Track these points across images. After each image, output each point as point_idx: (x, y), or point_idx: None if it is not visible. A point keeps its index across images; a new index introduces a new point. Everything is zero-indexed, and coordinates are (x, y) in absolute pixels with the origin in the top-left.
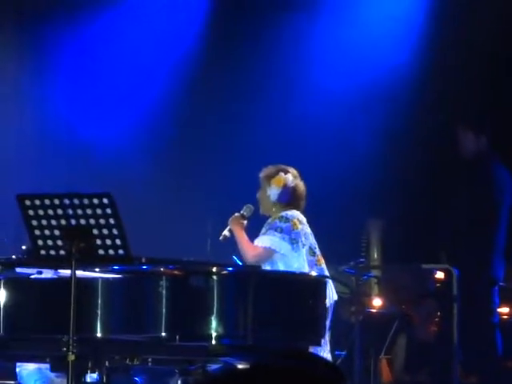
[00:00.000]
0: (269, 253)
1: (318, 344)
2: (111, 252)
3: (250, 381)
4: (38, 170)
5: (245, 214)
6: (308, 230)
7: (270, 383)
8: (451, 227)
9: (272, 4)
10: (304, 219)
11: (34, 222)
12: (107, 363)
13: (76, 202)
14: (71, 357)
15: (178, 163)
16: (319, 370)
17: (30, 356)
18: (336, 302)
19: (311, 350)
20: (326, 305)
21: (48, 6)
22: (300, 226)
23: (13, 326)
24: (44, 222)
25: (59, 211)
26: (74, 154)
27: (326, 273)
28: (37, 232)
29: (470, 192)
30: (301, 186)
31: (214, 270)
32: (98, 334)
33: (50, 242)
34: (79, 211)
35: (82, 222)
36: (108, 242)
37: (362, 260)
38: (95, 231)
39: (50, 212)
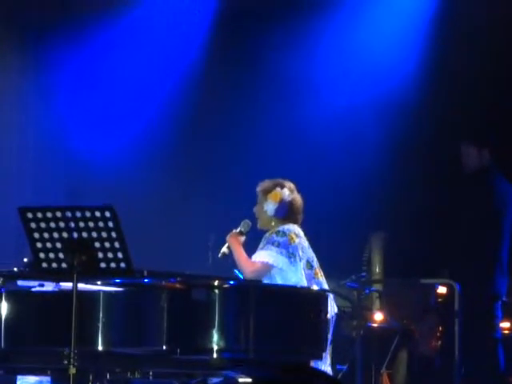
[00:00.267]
0: (267, 268)
1: (320, 358)
2: (113, 265)
3: None
4: (39, 183)
5: (242, 229)
6: (305, 243)
7: None
8: (454, 242)
9: (278, 16)
10: (301, 232)
11: (36, 235)
12: (108, 376)
13: (78, 214)
14: (72, 370)
15: (179, 177)
16: None
17: (31, 369)
18: (337, 315)
19: (312, 363)
20: (327, 319)
21: (51, 22)
22: (297, 240)
23: (14, 338)
24: (46, 235)
25: (61, 224)
26: (75, 167)
27: (325, 286)
28: (38, 245)
29: (473, 206)
30: (298, 199)
31: (216, 283)
32: (99, 347)
33: (51, 255)
34: (81, 224)
35: (84, 234)
36: (110, 255)
37: (363, 274)
38: (97, 244)
39: (52, 225)
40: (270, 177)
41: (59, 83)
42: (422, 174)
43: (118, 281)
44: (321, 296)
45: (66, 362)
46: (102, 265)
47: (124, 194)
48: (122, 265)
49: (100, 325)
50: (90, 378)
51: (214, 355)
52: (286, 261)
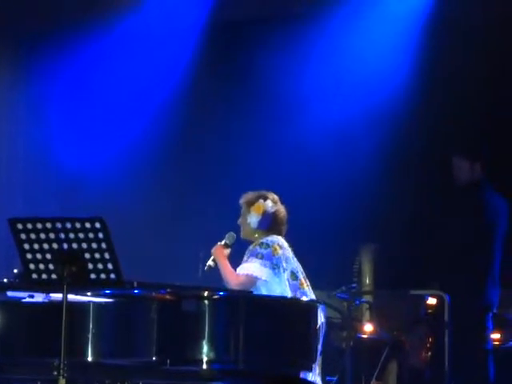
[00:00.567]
0: (251, 280)
1: (309, 369)
2: (103, 276)
3: None
4: (29, 194)
5: (227, 242)
6: (290, 254)
7: None
8: (444, 253)
9: (269, 30)
10: (285, 243)
11: (26, 246)
12: None
13: (68, 226)
14: (62, 381)
15: (169, 188)
16: None
17: (20, 380)
18: (324, 324)
19: (302, 374)
20: (317, 330)
21: (42, 34)
22: (280, 251)
23: (3, 349)
24: (36, 246)
25: (51, 235)
26: (65, 178)
27: (312, 296)
28: (28, 256)
29: (464, 217)
30: (281, 211)
31: (206, 294)
32: (89, 358)
33: (41, 266)
34: (71, 235)
35: (74, 246)
36: (100, 266)
37: (353, 285)
38: (87, 255)
39: (42, 236)
40: (261, 190)
41: (49, 95)
42: (413, 185)
43: (107, 292)
44: (310, 307)
45: (55, 373)
46: (92, 276)
47: (114, 206)
48: (112, 276)
49: (90, 336)
50: None
51: (204, 366)
52: (270, 272)
